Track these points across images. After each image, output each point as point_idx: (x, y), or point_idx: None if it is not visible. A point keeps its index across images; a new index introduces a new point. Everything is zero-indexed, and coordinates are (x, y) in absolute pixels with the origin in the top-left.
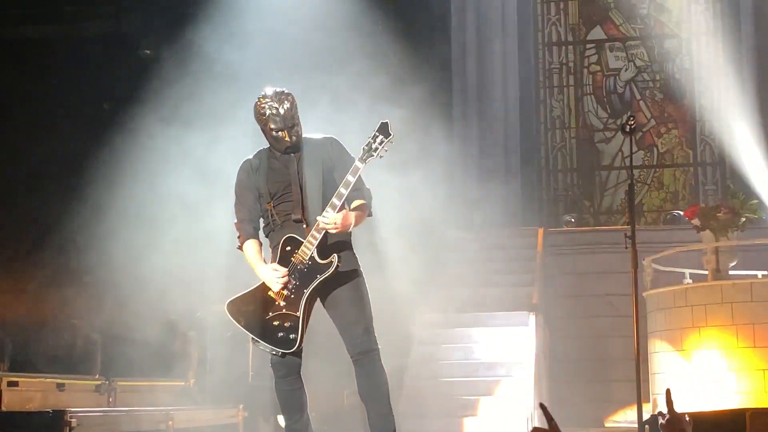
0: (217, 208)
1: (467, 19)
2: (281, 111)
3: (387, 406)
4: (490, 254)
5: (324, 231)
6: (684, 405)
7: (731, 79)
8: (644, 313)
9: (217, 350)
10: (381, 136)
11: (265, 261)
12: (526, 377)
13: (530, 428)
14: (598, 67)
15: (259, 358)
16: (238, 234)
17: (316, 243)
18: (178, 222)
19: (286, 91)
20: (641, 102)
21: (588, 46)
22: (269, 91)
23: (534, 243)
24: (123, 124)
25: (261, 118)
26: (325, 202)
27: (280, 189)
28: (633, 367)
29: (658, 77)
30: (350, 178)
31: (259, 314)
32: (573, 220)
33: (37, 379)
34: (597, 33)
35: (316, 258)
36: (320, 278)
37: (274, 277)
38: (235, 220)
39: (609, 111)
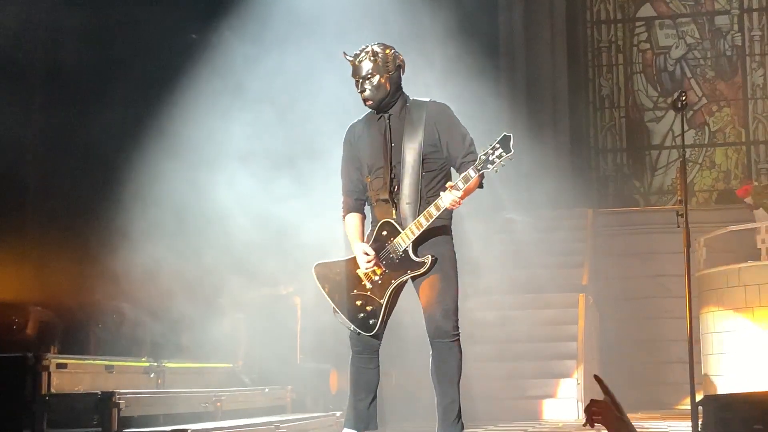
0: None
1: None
2: (356, 61)
3: (455, 390)
4: (540, 236)
5: (427, 223)
6: (738, 385)
7: None
8: (696, 294)
9: (265, 332)
10: (501, 150)
11: (364, 236)
12: (575, 359)
13: (583, 405)
14: (647, 45)
15: (307, 340)
16: (342, 205)
17: (413, 237)
18: (227, 206)
19: (374, 43)
20: (692, 80)
21: (637, 23)
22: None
23: (583, 224)
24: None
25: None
26: (422, 181)
27: (374, 162)
28: (685, 349)
29: (709, 55)
30: (460, 185)
31: (344, 287)
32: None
33: (86, 362)
34: (646, 10)
35: (410, 253)
36: (410, 274)
37: (363, 260)
38: (341, 191)
39: (659, 90)
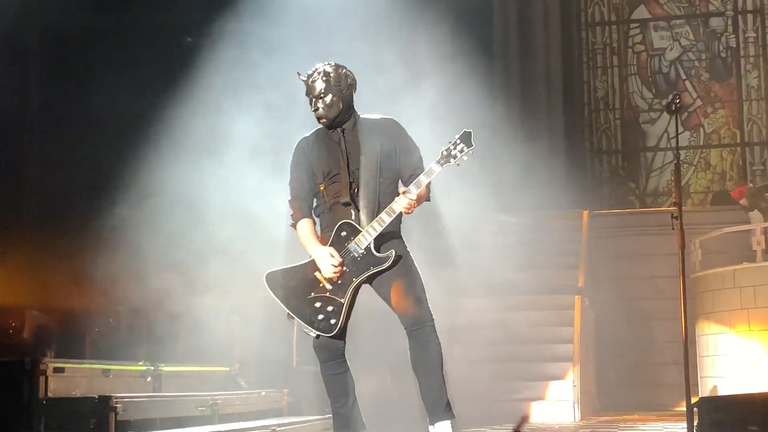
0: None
1: (509, 1)
2: (309, 81)
3: (440, 378)
4: (535, 237)
5: (389, 220)
6: (734, 387)
7: None
8: (692, 295)
9: (261, 335)
10: (462, 145)
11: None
12: (571, 361)
13: (579, 407)
14: (642, 47)
15: (303, 343)
16: (291, 212)
17: (376, 234)
18: (220, 206)
19: (325, 63)
20: (687, 82)
21: (632, 25)
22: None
23: (579, 226)
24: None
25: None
26: (380, 186)
27: (331, 169)
28: (680, 350)
29: (703, 56)
30: (423, 179)
31: (301, 292)
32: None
33: (83, 366)
34: (641, 12)
35: (372, 250)
36: (374, 270)
37: (329, 262)
38: (289, 198)
39: (654, 91)
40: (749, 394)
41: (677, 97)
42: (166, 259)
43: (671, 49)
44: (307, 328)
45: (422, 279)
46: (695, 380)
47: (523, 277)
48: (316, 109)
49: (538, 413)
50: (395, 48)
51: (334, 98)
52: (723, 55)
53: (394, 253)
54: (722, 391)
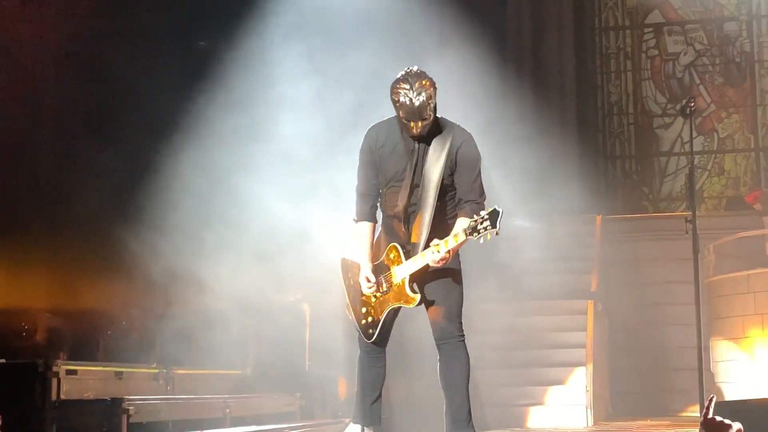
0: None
1: (522, 5)
2: (416, 103)
3: (464, 394)
4: (549, 242)
5: (422, 263)
6: (749, 392)
7: None
8: (706, 300)
9: (274, 339)
10: (488, 223)
11: (372, 249)
12: (584, 366)
13: (592, 412)
14: (656, 52)
15: (316, 347)
16: (355, 207)
17: (411, 271)
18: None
19: (425, 79)
20: (701, 86)
21: (646, 30)
22: (411, 75)
23: (592, 230)
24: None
25: (394, 102)
26: (433, 204)
27: (396, 175)
28: (694, 355)
29: (717, 61)
30: (451, 241)
31: (357, 289)
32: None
33: (96, 368)
34: (655, 17)
35: (406, 285)
36: (402, 304)
37: (365, 285)
38: (356, 191)
39: (668, 96)
40: (763, 399)
41: (692, 100)
42: (179, 263)
43: (685, 54)
44: (356, 324)
45: (462, 293)
46: (710, 386)
47: (537, 282)
48: (418, 131)
49: (550, 418)
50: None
51: (430, 120)
52: (737, 59)
53: (419, 296)
54: (736, 397)
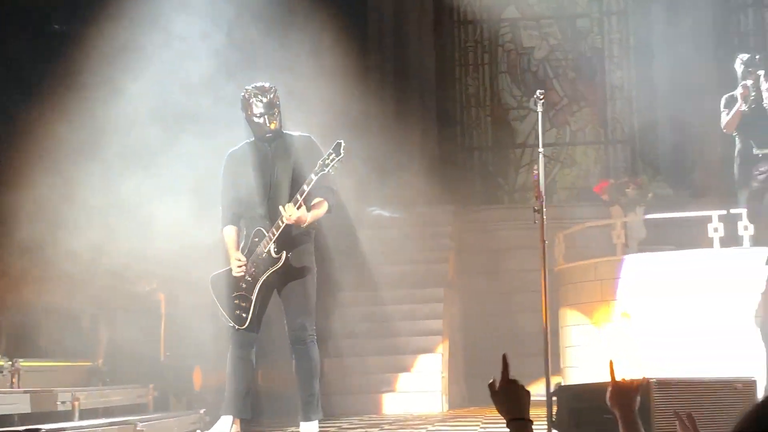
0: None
1: None
2: (264, 99)
3: (315, 386)
4: (407, 231)
5: (282, 226)
6: (593, 375)
7: (640, 58)
8: (556, 288)
9: (128, 329)
10: (334, 155)
11: (238, 246)
12: (440, 353)
13: (448, 398)
14: (512, 46)
15: (172, 338)
16: (221, 216)
17: (273, 238)
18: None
19: (269, 85)
20: (554, 80)
21: (502, 24)
22: (255, 84)
23: (450, 220)
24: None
25: (246, 104)
26: (290, 197)
27: (253, 181)
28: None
29: (570, 56)
30: (305, 188)
31: (227, 291)
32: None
33: None
34: (511, 11)
35: (272, 252)
36: (271, 270)
37: (236, 265)
38: (220, 206)
39: (523, 89)
40: (605, 382)
41: (541, 94)
42: (25, 252)
43: (540, 48)
44: (228, 320)
45: (314, 295)
46: (557, 370)
47: (393, 271)
48: (271, 125)
49: (406, 404)
50: (268, 42)
51: (278, 117)
52: (588, 55)
53: (284, 254)
54: (582, 380)
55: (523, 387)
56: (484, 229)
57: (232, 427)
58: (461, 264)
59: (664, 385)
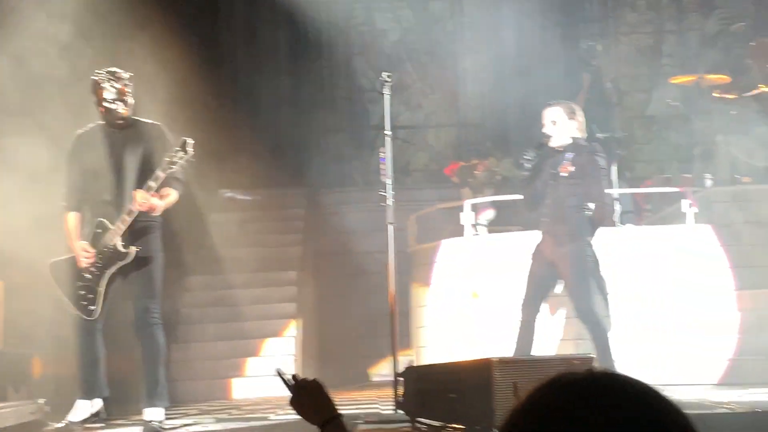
0: None
1: None
2: (117, 85)
3: (158, 372)
4: (258, 214)
5: (132, 217)
6: (444, 356)
7: (491, 42)
8: (408, 269)
9: None
10: (181, 152)
11: (80, 234)
12: (293, 336)
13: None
14: (366, 28)
15: (11, 327)
16: (63, 202)
17: (121, 232)
18: None
19: (122, 71)
20: (408, 63)
21: (356, 5)
22: (108, 68)
23: (303, 203)
24: None
25: (96, 88)
26: (138, 185)
27: (102, 166)
28: (397, 323)
29: (423, 39)
30: (152, 185)
31: (72, 280)
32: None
33: None
34: None
35: (119, 246)
36: (119, 264)
37: (83, 255)
38: (63, 189)
39: (378, 72)
40: (449, 363)
41: (389, 76)
42: None
43: (393, 31)
44: (74, 310)
45: (160, 281)
46: (410, 350)
47: (247, 254)
48: (122, 111)
49: (257, 388)
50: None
51: (130, 103)
52: (442, 38)
53: (134, 249)
54: (430, 361)
55: (315, 382)
56: (338, 211)
57: (90, 409)
58: (315, 246)
59: (504, 363)
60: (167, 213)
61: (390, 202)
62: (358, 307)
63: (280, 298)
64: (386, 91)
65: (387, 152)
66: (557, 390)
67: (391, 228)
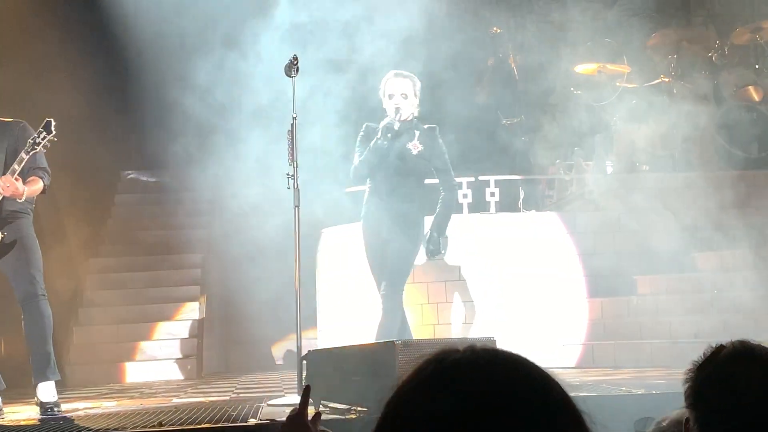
0: None
1: None
2: None
3: (46, 347)
4: (165, 197)
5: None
6: (347, 339)
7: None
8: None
9: None
10: (44, 133)
11: None
12: (196, 318)
13: (202, 362)
14: None
15: None
16: None
17: None
18: None
19: None
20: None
21: None
22: None
23: (210, 184)
24: None
25: None
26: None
27: None
28: (308, 307)
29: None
30: (16, 167)
31: None
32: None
33: None
34: None
35: None
36: None
37: None
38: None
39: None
40: (352, 346)
41: (296, 59)
42: None
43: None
44: None
45: (40, 255)
46: (315, 333)
47: (150, 236)
48: None
49: (156, 371)
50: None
51: None
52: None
53: (2, 233)
54: (331, 344)
55: (306, 425)
56: (242, 193)
57: None
58: (222, 229)
59: (407, 345)
60: (72, 195)
61: (296, 184)
62: (264, 289)
63: (184, 281)
64: (293, 74)
65: (293, 135)
66: (438, 365)
67: (296, 210)
